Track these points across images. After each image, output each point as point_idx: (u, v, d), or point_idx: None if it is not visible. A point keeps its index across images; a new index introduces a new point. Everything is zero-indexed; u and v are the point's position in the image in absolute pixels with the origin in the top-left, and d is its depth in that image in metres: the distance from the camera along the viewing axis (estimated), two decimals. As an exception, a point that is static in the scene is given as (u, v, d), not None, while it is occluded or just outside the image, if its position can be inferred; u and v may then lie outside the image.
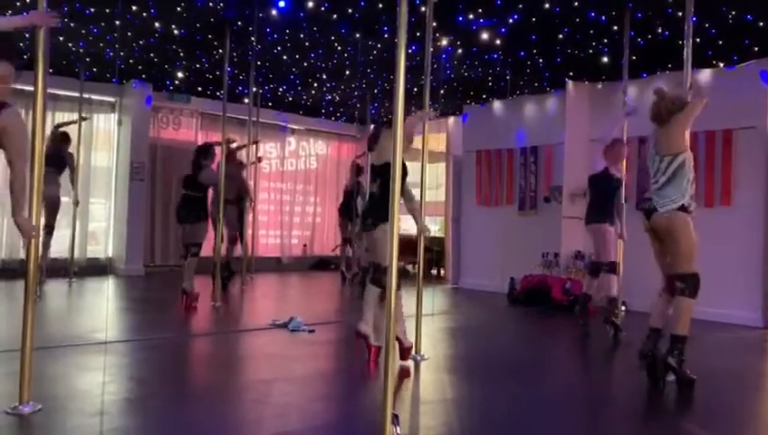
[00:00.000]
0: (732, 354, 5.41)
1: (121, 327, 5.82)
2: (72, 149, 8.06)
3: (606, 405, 3.95)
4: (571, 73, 8.41)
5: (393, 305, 2.68)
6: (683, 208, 4.09)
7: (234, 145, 8.41)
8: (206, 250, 7.30)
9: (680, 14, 5.65)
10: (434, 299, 8.19)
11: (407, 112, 2.85)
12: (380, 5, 6.33)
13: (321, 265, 12.24)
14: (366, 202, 4.67)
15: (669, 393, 4.06)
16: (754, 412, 3.92)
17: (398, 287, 4.16)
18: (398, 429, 2.63)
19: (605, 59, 7.57)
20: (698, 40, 6.00)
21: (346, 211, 9.54)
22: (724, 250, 6.62)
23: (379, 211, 4.32)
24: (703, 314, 6.07)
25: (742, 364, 5.07)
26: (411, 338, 4.68)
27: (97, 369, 4.03)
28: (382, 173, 4.35)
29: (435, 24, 4.98)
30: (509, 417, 3.50)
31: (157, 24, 7.07)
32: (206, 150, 6.90)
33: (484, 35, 7.04)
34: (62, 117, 9.10)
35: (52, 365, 4.02)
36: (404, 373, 4.28)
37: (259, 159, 9.18)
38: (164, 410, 3.42)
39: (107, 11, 6.63)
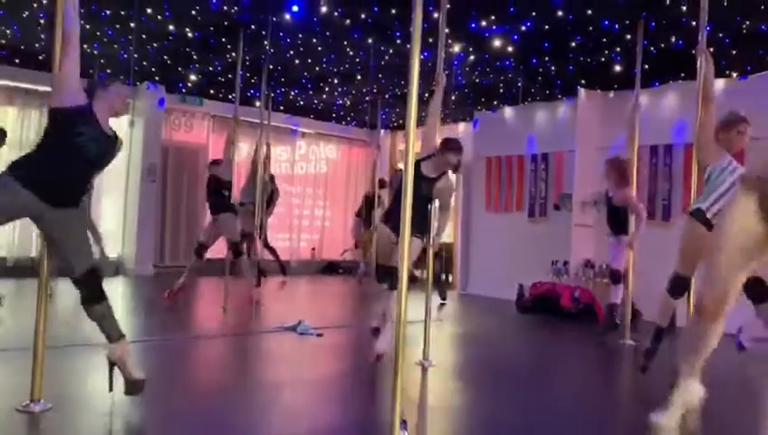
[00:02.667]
0: (748, 367, 5.36)
1: (131, 327, 5.84)
2: None
3: (615, 416, 3.93)
4: (584, 81, 8.40)
5: (404, 308, 2.68)
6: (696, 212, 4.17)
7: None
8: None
9: (694, 23, 5.64)
10: (445, 305, 8.18)
11: (418, 119, 2.85)
12: (393, 11, 6.35)
13: (330, 269, 12.26)
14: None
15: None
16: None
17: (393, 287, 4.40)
18: (406, 434, 2.62)
19: (617, 67, 7.56)
20: (712, 49, 5.97)
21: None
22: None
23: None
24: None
25: (756, 377, 5.03)
26: (417, 344, 4.69)
27: (107, 368, 4.05)
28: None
29: (447, 30, 4.98)
30: (517, 425, 3.49)
31: (171, 27, 7.12)
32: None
33: (497, 42, 7.05)
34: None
35: (62, 364, 4.05)
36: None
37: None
38: (173, 411, 3.43)
39: (122, 13, 6.69)
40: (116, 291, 8.19)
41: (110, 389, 3.31)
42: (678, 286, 4.36)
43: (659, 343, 4.45)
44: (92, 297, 3.23)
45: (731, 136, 4.14)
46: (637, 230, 5.96)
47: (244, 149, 10.72)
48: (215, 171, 7.26)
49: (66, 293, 7.57)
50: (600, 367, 5.49)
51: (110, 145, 3.26)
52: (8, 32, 7.41)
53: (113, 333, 3.30)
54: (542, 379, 4.68)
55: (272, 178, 9.12)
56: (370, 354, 4.55)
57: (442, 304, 8.31)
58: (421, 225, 4.51)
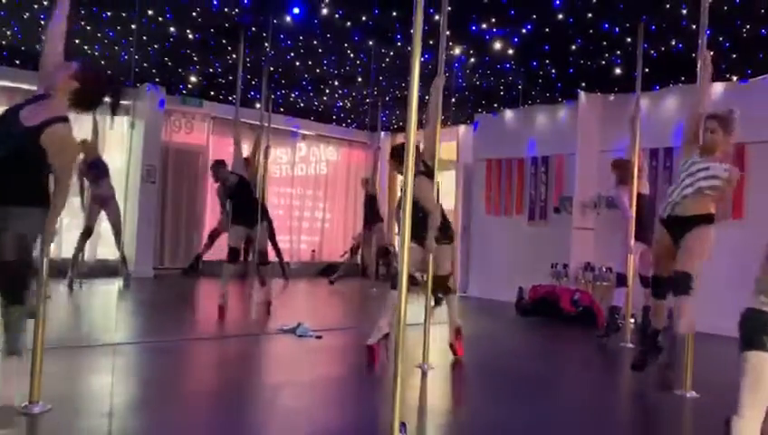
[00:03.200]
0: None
1: (130, 329, 5.85)
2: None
3: (615, 419, 3.93)
4: (584, 84, 8.40)
5: (403, 311, 2.68)
6: None
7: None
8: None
9: (694, 26, 5.65)
10: (442, 307, 8.17)
11: (418, 122, 2.85)
12: (394, 13, 6.36)
13: (330, 271, 12.24)
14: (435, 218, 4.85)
15: (680, 406, 4.03)
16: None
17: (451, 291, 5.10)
18: (405, 437, 2.62)
19: (618, 70, 7.56)
20: (712, 53, 5.97)
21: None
22: (735, 263, 6.56)
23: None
24: (714, 329, 6.02)
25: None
26: (419, 346, 4.69)
27: (106, 370, 4.05)
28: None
29: (448, 32, 4.98)
30: (516, 428, 3.48)
31: (172, 29, 7.12)
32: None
33: (497, 45, 7.05)
34: (75, 119, 9.14)
35: (61, 366, 4.04)
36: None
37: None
38: (172, 413, 3.42)
39: (123, 14, 6.69)
40: (115, 293, 8.19)
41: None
42: (656, 286, 4.42)
43: (655, 344, 4.44)
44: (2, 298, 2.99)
45: (703, 135, 4.19)
46: (625, 232, 6.01)
47: (245, 151, 10.72)
48: (242, 173, 6.93)
49: (64, 294, 7.57)
50: (601, 370, 5.48)
51: (9, 139, 2.99)
52: (9, 33, 7.42)
53: (8, 345, 3.01)
54: (541, 381, 4.67)
55: None
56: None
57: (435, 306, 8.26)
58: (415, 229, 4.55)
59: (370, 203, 9.97)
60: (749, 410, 2.46)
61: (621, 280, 6.24)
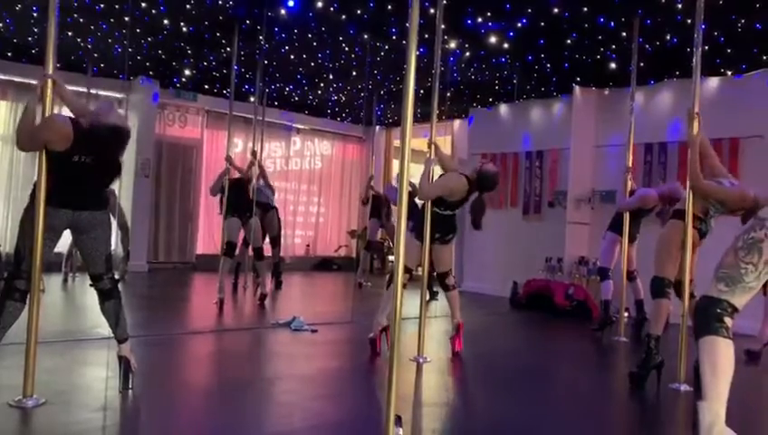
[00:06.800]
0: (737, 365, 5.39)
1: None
2: None
3: (610, 411, 3.94)
4: (579, 79, 8.40)
5: (399, 304, 2.68)
6: None
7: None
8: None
9: (689, 21, 5.65)
10: (437, 302, 8.19)
11: (413, 115, 2.84)
12: (389, 7, 6.34)
13: (324, 265, 12.25)
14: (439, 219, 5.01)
15: (675, 399, 4.05)
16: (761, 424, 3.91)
17: (454, 287, 5.15)
18: (400, 430, 2.62)
19: (613, 65, 7.56)
20: (707, 47, 5.98)
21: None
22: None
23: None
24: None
25: (748, 375, 5.05)
26: (414, 340, 4.70)
27: (100, 364, 4.04)
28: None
29: (443, 26, 4.97)
30: (511, 420, 3.49)
31: (165, 21, 7.08)
32: None
33: (493, 39, 7.04)
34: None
35: (55, 359, 4.03)
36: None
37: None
38: (166, 407, 3.42)
39: (116, 7, 6.65)
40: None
41: None
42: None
43: (658, 352, 4.31)
44: None
45: None
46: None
47: (239, 145, 10.72)
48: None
49: (58, 288, 7.54)
50: (595, 363, 5.51)
51: None
52: (1, 25, 7.35)
53: None
54: (535, 375, 4.69)
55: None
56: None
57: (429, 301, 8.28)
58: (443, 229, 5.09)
59: (377, 203, 9.68)
60: (712, 393, 2.55)
61: (604, 273, 6.38)
